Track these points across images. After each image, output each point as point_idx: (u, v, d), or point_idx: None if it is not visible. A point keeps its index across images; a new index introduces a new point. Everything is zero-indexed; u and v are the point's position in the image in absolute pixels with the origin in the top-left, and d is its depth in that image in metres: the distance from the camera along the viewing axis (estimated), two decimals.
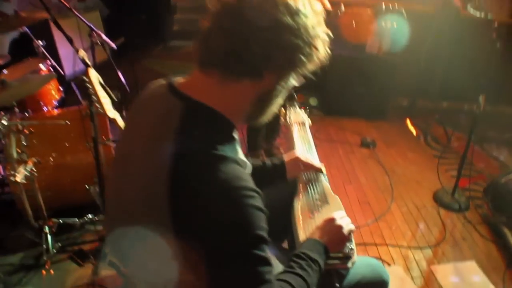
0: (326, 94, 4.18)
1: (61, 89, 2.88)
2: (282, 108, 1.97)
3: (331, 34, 1.05)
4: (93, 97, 1.80)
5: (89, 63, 1.97)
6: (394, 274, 2.26)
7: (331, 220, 1.29)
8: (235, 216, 0.91)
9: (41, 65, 2.75)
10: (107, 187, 1.11)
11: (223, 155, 0.94)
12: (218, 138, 0.97)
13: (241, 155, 1.06)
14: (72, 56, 3.90)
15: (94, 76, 1.82)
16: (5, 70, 2.63)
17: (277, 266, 1.33)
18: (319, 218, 1.38)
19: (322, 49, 1.01)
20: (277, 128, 3.33)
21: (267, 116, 1.09)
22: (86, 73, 1.83)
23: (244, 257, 0.93)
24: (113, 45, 3.12)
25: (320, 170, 1.63)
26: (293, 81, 1.06)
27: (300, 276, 1.10)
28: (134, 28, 5.82)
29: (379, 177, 3.20)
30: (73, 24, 3.24)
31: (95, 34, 2.99)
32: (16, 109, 2.34)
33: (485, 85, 2.59)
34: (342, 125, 3.98)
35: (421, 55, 4.14)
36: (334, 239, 1.26)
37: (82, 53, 1.96)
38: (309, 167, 1.61)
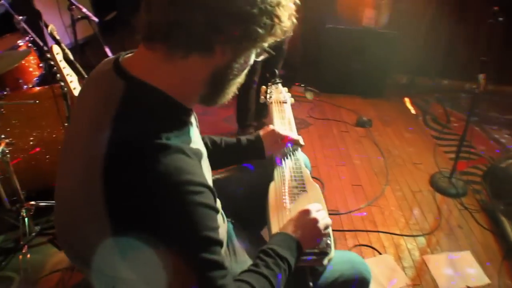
0: (321, 70, 4.00)
1: (42, 65, 2.71)
2: (263, 86, 1.83)
3: (298, 1, 0.90)
4: (58, 75, 1.65)
5: (58, 38, 1.81)
6: (385, 264, 2.15)
7: (306, 213, 1.16)
8: (176, 215, 0.79)
9: (19, 42, 2.61)
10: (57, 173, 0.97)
11: (165, 144, 0.80)
12: (162, 123, 0.83)
13: (195, 142, 0.93)
14: (62, 31, 3.69)
15: (58, 52, 1.66)
16: None
17: (245, 262, 1.22)
18: (295, 208, 1.26)
19: (286, 20, 0.86)
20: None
21: (226, 97, 0.95)
22: (50, 50, 1.68)
23: (192, 262, 0.82)
24: (95, 19, 2.94)
25: (297, 143, 1.52)
26: (253, 56, 0.92)
27: (265, 276, 0.98)
28: (127, 2, 5.59)
29: (374, 158, 3.06)
30: None
31: (74, 8, 2.84)
32: None
33: (486, 63, 2.42)
34: (338, 103, 3.82)
35: (421, 29, 3.95)
36: (308, 234, 1.14)
37: (51, 27, 1.80)
38: (286, 139, 1.49)
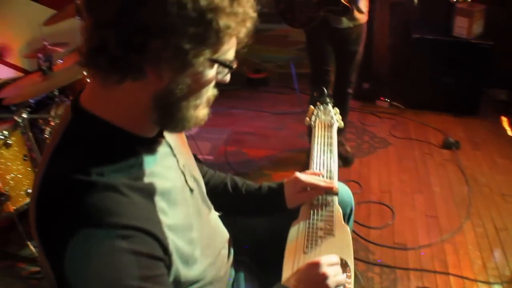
0: (408, 84, 3.72)
1: None
2: (311, 106, 1.68)
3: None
4: None
5: None
6: None
7: (315, 266, 1.01)
8: (94, 263, 0.72)
9: None
10: None
11: (90, 181, 0.74)
12: (99, 157, 0.78)
13: (153, 175, 0.85)
14: None
15: None
16: (61, 60, 2.66)
17: None
18: (314, 255, 1.13)
19: (234, 23, 0.77)
20: None
21: (188, 121, 0.85)
22: None
23: None
24: None
25: (329, 190, 1.29)
26: (211, 70, 0.82)
27: None
28: None
29: (457, 186, 2.76)
30: None
31: None
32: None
33: None
34: (424, 120, 3.52)
35: None
36: None
37: None
38: (313, 188, 1.28)
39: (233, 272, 1.25)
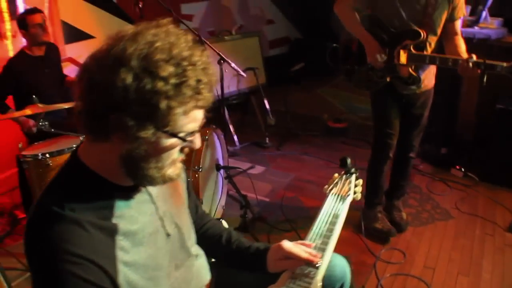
0: (488, 155, 3.54)
1: None
2: (336, 174, 1.70)
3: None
4: None
5: None
6: None
7: None
8: (47, 281, 0.94)
9: None
10: None
11: (60, 214, 0.95)
12: (76, 196, 0.99)
13: (119, 217, 1.04)
14: (228, 79, 4.23)
15: None
16: None
17: None
18: None
19: (179, 108, 0.94)
20: None
21: (154, 179, 1.03)
22: None
23: None
24: (243, 74, 3.25)
25: (310, 263, 1.30)
26: (170, 140, 0.98)
27: None
28: (320, 55, 5.94)
29: (510, 276, 2.57)
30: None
31: (222, 62, 3.16)
32: None
33: None
34: (497, 198, 3.33)
35: None
36: None
37: None
38: (294, 259, 1.31)
39: None
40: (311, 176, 3.73)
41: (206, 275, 1.37)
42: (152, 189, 1.16)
